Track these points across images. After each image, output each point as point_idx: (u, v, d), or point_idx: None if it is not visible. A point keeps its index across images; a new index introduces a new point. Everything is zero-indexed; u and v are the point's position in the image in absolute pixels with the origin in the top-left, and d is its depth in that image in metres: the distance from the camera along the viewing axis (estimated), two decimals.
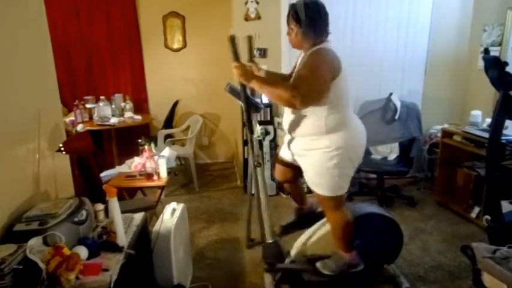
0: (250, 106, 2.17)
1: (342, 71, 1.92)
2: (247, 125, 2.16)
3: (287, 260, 2.35)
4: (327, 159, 2.00)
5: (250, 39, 2.11)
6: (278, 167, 2.43)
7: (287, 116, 2.13)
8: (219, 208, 3.73)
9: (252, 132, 2.16)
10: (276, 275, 2.35)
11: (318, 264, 2.24)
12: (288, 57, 3.79)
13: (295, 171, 2.30)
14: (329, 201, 2.10)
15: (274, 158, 2.19)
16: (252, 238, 2.53)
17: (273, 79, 2.03)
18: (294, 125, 2.07)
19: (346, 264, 2.19)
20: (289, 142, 2.21)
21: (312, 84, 1.86)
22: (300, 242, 2.37)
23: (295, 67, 2.20)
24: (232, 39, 1.99)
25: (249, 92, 2.17)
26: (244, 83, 2.00)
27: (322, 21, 1.96)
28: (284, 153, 2.33)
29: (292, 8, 1.96)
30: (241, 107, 2.34)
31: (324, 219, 2.34)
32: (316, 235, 2.36)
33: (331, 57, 1.91)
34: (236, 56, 2.00)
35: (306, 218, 2.52)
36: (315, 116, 1.97)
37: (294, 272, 2.39)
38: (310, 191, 2.24)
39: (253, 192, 2.56)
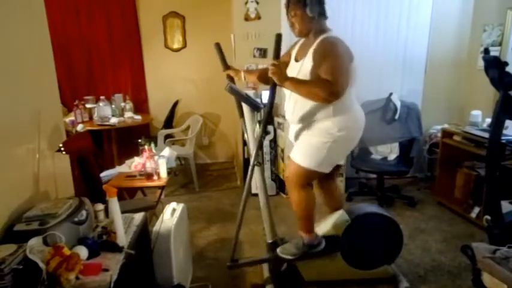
0: (253, 105, 2.16)
1: (354, 58, 1.98)
2: (262, 125, 2.12)
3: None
4: (323, 136, 2.04)
5: (279, 37, 1.96)
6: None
7: (293, 104, 2.12)
8: (219, 208, 3.73)
9: (267, 133, 2.16)
10: (276, 275, 2.35)
11: (278, 250, 2.26)
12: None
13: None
14: (301, 174, 2.12)
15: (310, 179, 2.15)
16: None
17: (305, 79, 2.02)
18: (303, 112, 2.08)
19: (306, 245, 2.22)
20: (295, 132, 2.21)
21: (344, 75, 1.91)
22: None
23: (289, 54, 2.21)
24: (279, 37, 1.94)
25: (248, 92, 2.17)
26: (277, 83, 1.97)
27: (323, 3, 2.00)
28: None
29: None
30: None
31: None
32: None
33: (344, 45, 1.97)
34: (278, 54, 1.96)
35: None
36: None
37: (256, 264, 2.35)
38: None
39: (253, 192, 2.56)
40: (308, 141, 2.11)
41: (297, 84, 1.98)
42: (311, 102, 2.02)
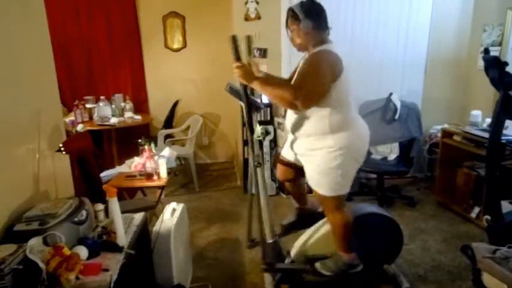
0: (251, 106, 2.16)
1: (344, 72, 1.91)
2: (248, 125, 2.15)
3: (287, 260, 2.35)
4: (330, 159, 1.99)
5: (249, 38, 2.09)
6: (280, 167, 2.43)
7: (290, 115, 2.12)
8: (219, 208, 3.73)
9: (252, 132, 2.16)
10: (276, 275, 2.34)
11: (317, 265, 2.24)
12: (288, 57, 3.79)
13: (297, 170, 2.30)
14: (330, 201, 2.10)
15: (275, 157, 2.16)
16: (253, 238, 2.52)
17: (275, 80, 2.02)
18: (297, 125, 2.07)
19: (345, 264, 2.19)
20: (292, 142, 2.20)
21: (314, 85, 1.86)
22: (300, 242, 2.37)
23: (295, 71, 2.20)
24: (234, 39, 1.99)
25: (249, 92, 2.17)
26: (245, 83, 1.99)
27: (320, 16, 1.97)
28: (286, 153, 2.33)
29: (290, 10, 1.99)
30: (241, 106, 2.34)
31: (325, 219, 2.34)
32: (316, 235, 2.36)
33: (333, 58, 1.91)
34: (238, 56, 1.99)
35: (307, 218, 2.52)
36: (318, 116, 1.97)
37: (293, 272, 2.39)
38: (311, 191, 2.24)
39: (253, 192, 2.56)
40: (317, 170, 2.05)
41: (265, 84, 1.96)
42: (308, 115, 1.99)
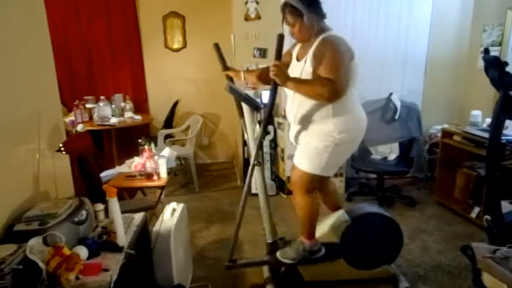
0: (254, 106, 2.16)
1: (355, 57, 1.98)
2: (264, 126, 2.11)
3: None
4: (325, 140, 2.04)
5: (281, 37, 1.96)
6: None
7: (295, 105, 2.13)
8: (219, 208, 3.73)
9: (267, 133, 2.16)
10: (276, 275, 2.35)
11: (279, 254, 2.26)
12: None
13: None
14: (306, 180, 2.12)
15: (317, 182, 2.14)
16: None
17: (306, 79, 2.02)
18: (303, 113, 2.08)
19: (306, 250, 2.22)
20: (295, 133, 2.21)
21: (345, 74, 1.91)
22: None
23: (290, 53, 2.21)
24: (281, 37, 1.95)
25: (248, 92, 2.17)
26: (279, 83, 1.98)
27: (319, 4, 2.00)
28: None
29: (286, 5, 1.97)
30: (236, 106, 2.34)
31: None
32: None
33: (346, 45, 1.96)
34: (279, 55, 1.97)
35: None
36: (323, 102, 1.99)
37: (256, 265, 2.37)
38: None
39: (253, 192, 2.56)
40: (309, 146, 2.10)
41: (299, 84, 1.99)
42: (311, 103, 2.02)
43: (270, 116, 2.13)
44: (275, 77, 1.94)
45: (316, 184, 2.17)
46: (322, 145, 2.04)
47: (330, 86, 1.87)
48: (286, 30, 2.06)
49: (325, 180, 2.21)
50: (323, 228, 2.38)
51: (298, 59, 2.14)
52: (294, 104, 2.13)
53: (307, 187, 2.14)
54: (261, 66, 2.31)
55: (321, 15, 2.01)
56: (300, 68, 2.07)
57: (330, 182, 2.50)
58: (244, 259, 2.32)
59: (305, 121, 2.10)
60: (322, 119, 2.03)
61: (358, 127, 2.13)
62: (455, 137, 3.42)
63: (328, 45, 1.95)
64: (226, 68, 2.40)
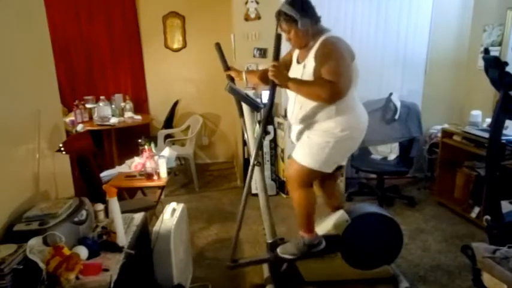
0: (251, 105, 2.16)
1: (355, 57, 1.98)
2: (263, 126, 2.11)
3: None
4: (325, 136, 2.04)
5: (278, 38, 1.96)
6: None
7: (297, 105, 2.13)
8: (219, 208, 3.73)
9: (267, 133, 2.16)
10: (276, 275, 2.35)
11: (278, 250, 2.26)
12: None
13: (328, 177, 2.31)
14: (304, 175, 2.12)
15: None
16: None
17: (307, 80, 2.03)
18: (304, 113, 2.08)
19: (306, 244, 2.21)
20: (297, 133, 2.21)
21: (346, 75, 1.91)
22: None
23: (291, 54, 2.21)
24: (279, 38, 1.95)
25: (248, 92, 2.17)
26: (278, 84, 1.98)
27: (312, 8, 2.00)
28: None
29: (280, 13, 1.99)
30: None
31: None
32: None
33: (345, 45, 1.97)
34: (277, 56, 1.97)
35: None
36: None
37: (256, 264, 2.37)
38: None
39: (253, 192, 2.56)
40: (310, 141, 2.10)
41: (299, 85, 1.99)
42: (313, 104, 2.02)
43: (269, 116, 2.13)
44: (274, 78, 1.94)
45: (313, 179, 2.18)
46: (323, 140, 2.05)
47: (330, 88, 1.87)
48: (282, 35, 2.06)
49: (321, 175, 2.19)
50: (323, 228, 2.38)
51: (298, 62, 2.15)
52: (295, 105, 2.13)
53: (304, 181, 2.14)
54: (261, 66, 2.31)
55: (315, 19, 2.00)
56: (300, 71, 2.07)
57: (337, 184, 2.50)
58: (245, 258, 2.32)
59: (307, 121, 2.10)
60: (325, 119, 2.04)
61: (360, 126, 2.14)
62: (455, 137, 3.42)
63: (329, 46, 1.95)
64: (227, 68, 2.40)
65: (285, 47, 2.10)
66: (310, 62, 2.02)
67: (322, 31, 2.02)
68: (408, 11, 3.91)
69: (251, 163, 2.17)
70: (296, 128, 2.21)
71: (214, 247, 2.97)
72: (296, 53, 2.19)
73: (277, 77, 1.93)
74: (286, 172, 2.26)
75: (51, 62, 2.19)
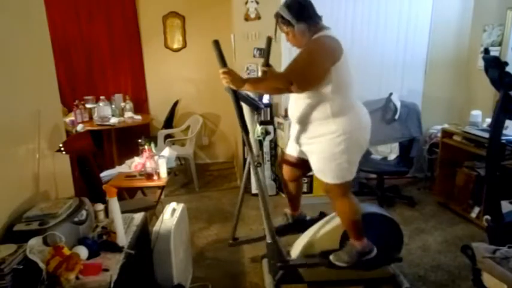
0: (241, 108, 2.16)
1: (344, 55, 1.93)
2: (242, 125, 2.13)
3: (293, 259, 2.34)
4: (334, 145, 2.01)
5: (217, 44, 1.95)
6: (285, 167, 2.42)
7: (293, 104, 2.13)
8: (219, 208, 3.73)
9: (247, 132, 2.16)
10: (276, 275, 2.35)
11: (332, 257, 2.23)
12: (288, 57, 3.78)
13: (303, 168, 2.30)
14: (336, 189, 2.10)
15: (280, 158, 2.15)
16: (237, 237, 2.57)
17: (262, 77, 2.03)
18: (300, 112, 2.08)
19: (358, 252, 2.18)
20: (296, 133, 2.20)
21: (306, 67, 1.88)
22: (303, 242, 2.36)
23: None
24: (217, 44, 1.94)
25: (247, 92, 2.16)
26: (235, 88, 1.96)
27: (309, 11, 1.98)
28: (290, 149, 2.33)
29: (277, 15, 2.00)
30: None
31: (328, 217, 2.34)
32: (321, 232, 2.35)
33: (330, 42, 1.93)
34: (223, 62, 1.94)
35: (299, 223, 2.53)
36: (319, 100, 1.98)
37: (294, 269, 2.38)
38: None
39: (253, 192, 2.56)
40: (322, 157, 2.06)
41: (255, 83, 2.00)
42: (307, 101, 2.01)
43: (243, 122, 2.12)
44: (228, 84, 1.92)
45: (347, 188, 2.13)
46: (332, 152, 2.01)
47: (286, 77, 1.88)
48: (280, 35, 2.07)
49: (351, 182, 2.18)
50: (323, 228, 2.38)
51: None
52: (293, 102, 2.14)
53: (340, 193, 2.11)
54: (260, 66, 2.31)
55: (315, 19, 1.99)
56: None
57: (302, 181, 2.50)
58: (296, 260, 2.32)
59: (305, 120, 2.09)
60: (322, 119, 2.02)
61: (362, 125, 2.11)
62: (455, 137, 3.42)
63: (310, 44, 1.95)
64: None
65: (286, 47, 2.10)
66: None
67: (319, 30, 2.00)
68: (408, 11, 3.91)
69: (247, 162, 2.16)
70: (296, 127, 2.20)
71: (214, 247, 2.97)
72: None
73: (231, 81, 1.91)
74: (322, 188, 2.25)
75: (51, 62, 2.20)
